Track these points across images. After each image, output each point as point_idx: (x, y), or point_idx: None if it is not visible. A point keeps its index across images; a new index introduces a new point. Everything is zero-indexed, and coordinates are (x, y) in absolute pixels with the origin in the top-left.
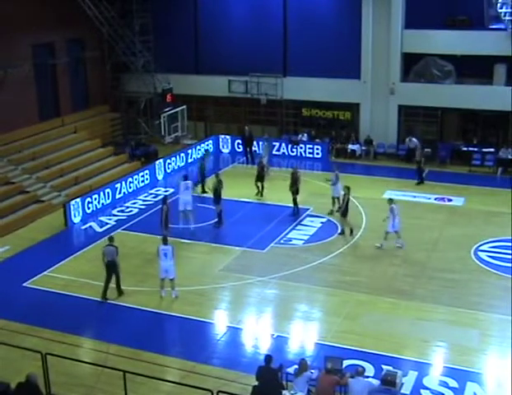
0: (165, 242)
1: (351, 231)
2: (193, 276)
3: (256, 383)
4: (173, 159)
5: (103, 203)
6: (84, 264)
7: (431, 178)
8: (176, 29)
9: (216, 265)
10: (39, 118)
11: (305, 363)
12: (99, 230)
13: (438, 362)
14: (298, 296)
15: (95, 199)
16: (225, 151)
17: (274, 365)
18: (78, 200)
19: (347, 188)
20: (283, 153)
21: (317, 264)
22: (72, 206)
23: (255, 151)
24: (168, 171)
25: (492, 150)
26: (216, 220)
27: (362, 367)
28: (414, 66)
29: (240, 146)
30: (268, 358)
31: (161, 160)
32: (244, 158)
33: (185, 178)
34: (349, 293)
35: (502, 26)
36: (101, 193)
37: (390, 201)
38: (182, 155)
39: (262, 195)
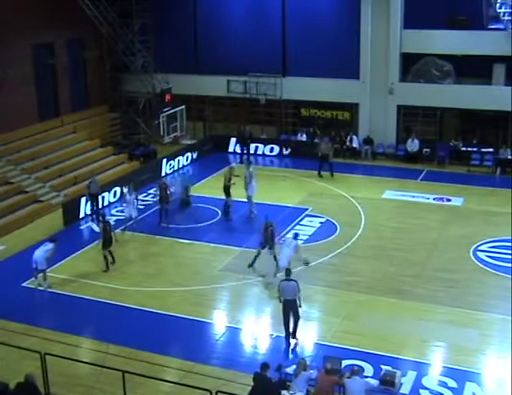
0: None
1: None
2: (193, 276)
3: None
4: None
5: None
6: (83, 264)
7: (430, 179)
8: (175, 29)
9: (215, 265)
10: (39, 118)
11: (304, 363)
12: (98, 230)
13: (437, 362)
14: None
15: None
16: (227, 150)
17: (273, 366)
18: None
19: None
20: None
21: (316, 264)
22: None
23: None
24: (168, 171)
25: (491, 150)
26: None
27: (359, 366)
28: (413, 66)
29: (238, 146)
30: (264, 366)
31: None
32: (240, 157)
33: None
34: (348, 293)
35: (501, 26)
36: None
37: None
38: (186, 155)
39: None
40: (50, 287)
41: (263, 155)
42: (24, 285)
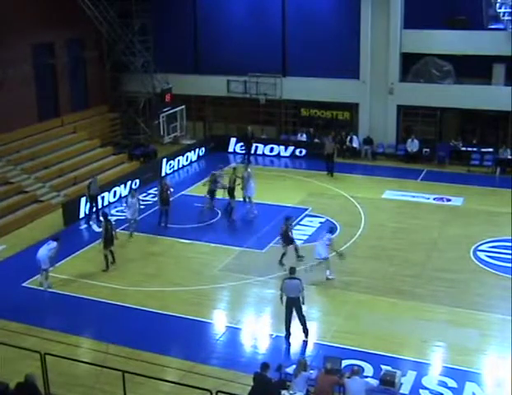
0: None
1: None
2: (193, 276)
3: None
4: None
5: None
6: (83, 264)
7: (430, 178)
8: (175, 29)
9: (215, 265)
10: (39, 118)
11: (304, 363)
12: (98, 230)
13: (437, 362)
14: None
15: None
16: (227, 150)
17: (273, 366)
18: None
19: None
20: (278, 152)
21: (316, 264)
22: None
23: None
24: (168, 171)
25: (491, 150)
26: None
27: (359, 366)
28: (413, 66)
29: (241, 146)
30: (264, 366)
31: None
32: (242, 157)
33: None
34: (348, 293)
35: (501, 26)
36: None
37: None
38: (187, 155)
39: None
40: (50, 287)
41: (264, 155)
42: (24, 285)
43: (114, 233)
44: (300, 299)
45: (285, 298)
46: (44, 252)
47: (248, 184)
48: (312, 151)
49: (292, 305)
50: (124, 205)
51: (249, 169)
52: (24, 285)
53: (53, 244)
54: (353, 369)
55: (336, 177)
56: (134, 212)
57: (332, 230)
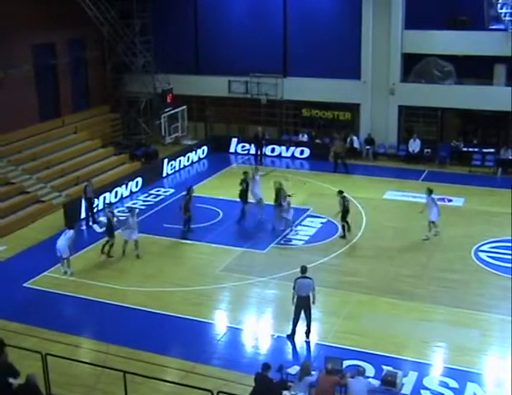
0: None
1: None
2: (194, 277)
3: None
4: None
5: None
6: (84, 264)
7: (431, 179)
8: (176, 29)
9: (216, 265)
10: (40, 119)
11: (308, 366)
12: (99, 230)
13: (438, 362)
14: None
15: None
16: (228, 151)
17: (274, 367)
18: None
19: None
20: (280, 153)
21: (317, 264)
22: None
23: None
24: (169, 172)
25: (492, 150)
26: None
27: (362, 367)
28: (414, 66)
29: (248, 146)
30: (265, 366)
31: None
32: (254, 158)
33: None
34: (349, 293)
35: (502, 27)
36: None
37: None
38: (188, 155)
39: None
40: (73, 274)
41: (265, 155)
42: (25, 285)
43: (114, 223)
44: (311, 298)
45: (296, 297)
46: (62, 242)
47: (259, 186)
48: (313, 151)
49: (303, 304)
50: (117, 216)
51: (260, 172)
52: (25, 285)
53: (70, 233)
54: (358, 370)
55: (337, 177)
56: (133, 232)
57: (430, 191)
